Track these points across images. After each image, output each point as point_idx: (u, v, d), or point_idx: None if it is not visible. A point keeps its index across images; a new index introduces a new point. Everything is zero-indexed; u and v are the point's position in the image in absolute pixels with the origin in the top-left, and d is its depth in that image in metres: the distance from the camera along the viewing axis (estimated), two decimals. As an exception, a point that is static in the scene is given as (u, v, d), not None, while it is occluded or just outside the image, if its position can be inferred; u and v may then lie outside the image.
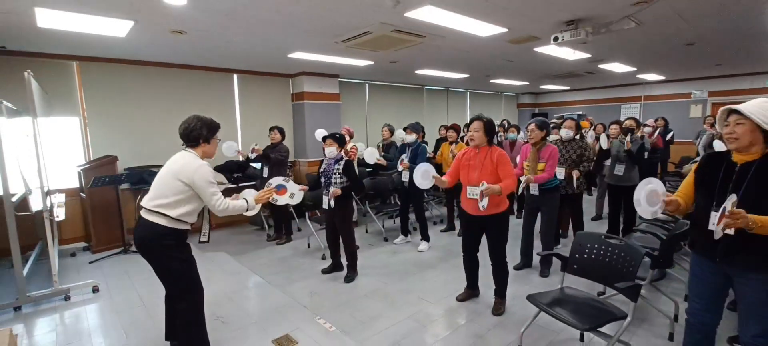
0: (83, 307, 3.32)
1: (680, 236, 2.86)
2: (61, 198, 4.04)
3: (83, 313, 3.22)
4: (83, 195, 4.70)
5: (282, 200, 2.78)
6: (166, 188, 2.21)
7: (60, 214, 3.36)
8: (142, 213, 2.23)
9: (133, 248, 4.74)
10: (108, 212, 4.68)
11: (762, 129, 1.67)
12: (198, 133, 2.31)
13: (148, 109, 5.38)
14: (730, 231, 1.63)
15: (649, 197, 1.86)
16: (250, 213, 2.50)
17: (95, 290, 3.58)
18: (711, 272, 1.88)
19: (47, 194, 3.46)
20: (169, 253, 2.22)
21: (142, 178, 5.01)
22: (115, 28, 3.58)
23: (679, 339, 2.17)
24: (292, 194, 2.76)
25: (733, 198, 1.58)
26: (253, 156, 4.90)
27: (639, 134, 4.53)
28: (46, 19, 3.27)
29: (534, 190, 3.63)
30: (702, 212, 1.85)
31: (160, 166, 5.22)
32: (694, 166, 2.01)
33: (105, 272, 4.09)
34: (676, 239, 2.90)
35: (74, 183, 4.88)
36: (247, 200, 2.46)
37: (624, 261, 2.32)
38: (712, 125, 5.94)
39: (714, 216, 1.68)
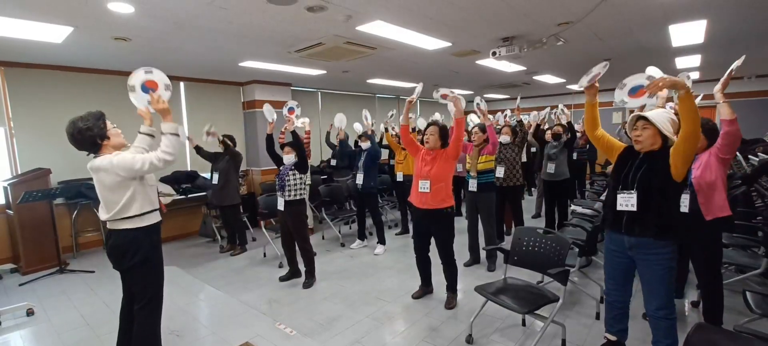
0: (17, 332, 3.07)
1: (601, 227, 3.28)
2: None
3: (17, 339, 2.98)
4: (10, 212, 4.32)
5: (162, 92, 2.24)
6: (113, 196, 2.11)
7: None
8: (109, 225, 2.18)
9: (71, 267, 4.43)
10: (40, 229, 4.33)
11: (661, 133, 2.04)
12: (90, 137, 2.04)
13: (85, 119, 5.04)
14: (633, 207, 2.04)
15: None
16: (177, 135, 2.17)
17: (30, 313, 3.32)
18: (620, 253, 2.22)
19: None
20: (146, 255, 2.18)
21: (79, 191, 4.70)
22: (52, 33, 3.39)
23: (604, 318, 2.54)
24: (167, 85, 2.24)
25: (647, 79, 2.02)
26: (208, 139, 4.87)
27: (564, 139, 5.07)
28: (-29, 22, 3.04)
29: (472, 186, 3.97)
30: (612, 192, 2.21)
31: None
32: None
33: (39, 294, 3.78)
34: (598, 230, 3.32)
35: (-1, 199, 4.47)
36: (171, 125, 2.14)
37: (555, 250, 2.64)
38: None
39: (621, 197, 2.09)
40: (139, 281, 2.25)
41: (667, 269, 2.07)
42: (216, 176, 4.81)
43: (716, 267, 2.60)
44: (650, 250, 2.07)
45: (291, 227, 3.81)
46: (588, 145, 7.02)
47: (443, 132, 3.20)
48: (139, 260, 2.18)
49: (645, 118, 2.07)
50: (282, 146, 3.85)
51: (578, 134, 6.28)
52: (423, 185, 3.11)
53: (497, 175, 4.36)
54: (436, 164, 3.11)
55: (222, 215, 5.09)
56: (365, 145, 4.86)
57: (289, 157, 3.73)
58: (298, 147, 3.72)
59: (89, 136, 2.05)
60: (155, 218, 2.26)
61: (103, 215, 2.17)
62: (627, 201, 2.11)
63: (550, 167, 4.94)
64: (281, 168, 3.85)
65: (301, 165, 3.73)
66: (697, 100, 2.08)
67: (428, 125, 3.23)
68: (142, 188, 2.17)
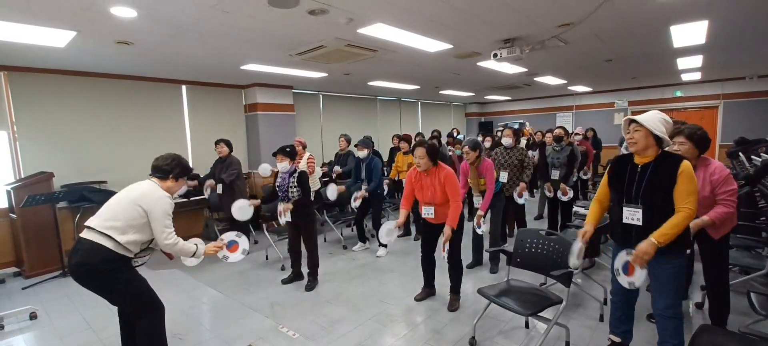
0: (20, 336, 3.08)
1: (604, 228, 3.27)
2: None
3: (21, 342, 2.99)
4: (13, 216, 4.33)
5: (233, 257, 2.58)
6: (119, 211, 2.14)
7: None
8: (85, 234, 2.11)
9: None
10: (43, 232, 4.34)
11: (654, 135, 2.03)
12: (169, 169, 2.34)
13: (88, 122, 5.08)
14: (639, 222, 2.05)
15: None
16: (193, 261, 2.42)
17: (33, 316, 3.33)
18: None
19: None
20: (113, 276, 2.12)
21: (81, 195, 4.70)
22: (55, 38, 3.40)
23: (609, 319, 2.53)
24: (245, 249, 2.59)
25: (626, 254, 2.08)
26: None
27: (566, 142, 5.05)
28: (-25, 28, 3.06)
29: (477, 203, 3.92)
30: (616, 205, 2.21)
31: (101, 183, 4.92)
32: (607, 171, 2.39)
33: (42, 298, 3.79)
34: (601, 231, 3.31)
35: (1, 203, 4.48)
36: (198, 246, 2.40)
37: (558, 252, 2.63)
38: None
39: (627, 211, 2.10)
40: (115, 298, 2.24)
41: (678, 267, 2.07)
42: (219, 187, 4.83)
43: (723, 266, 2.59)
44: (661, 257, 2.05)
45: (302, 234, 3.81)
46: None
47: (432, 150, 3.07)
48: (106, 280, 2.13)
49: (636, 121, 2.08)
50: (274, 154, 3.79)
51: (578, 137, 6.26)
52: (427, 211, 3.13)
53: (501, 180, 4.31)
54: (436, 191, 3.08)
55: (232, 224, 5.07)
56: (362, 153, 4.85)
57: (283, 165, 3.71)
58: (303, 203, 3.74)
59: (167, 169, 2.34)
60: (130, 255, 2.22)
61: (92, 220, 2.14)
62: (632, 215, 2.11)
63: (554, 174, 4.88)
64: (279, 178, 3.82)
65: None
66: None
67: (415, 146, 3.08)
68: (145, 232, 2.19)
